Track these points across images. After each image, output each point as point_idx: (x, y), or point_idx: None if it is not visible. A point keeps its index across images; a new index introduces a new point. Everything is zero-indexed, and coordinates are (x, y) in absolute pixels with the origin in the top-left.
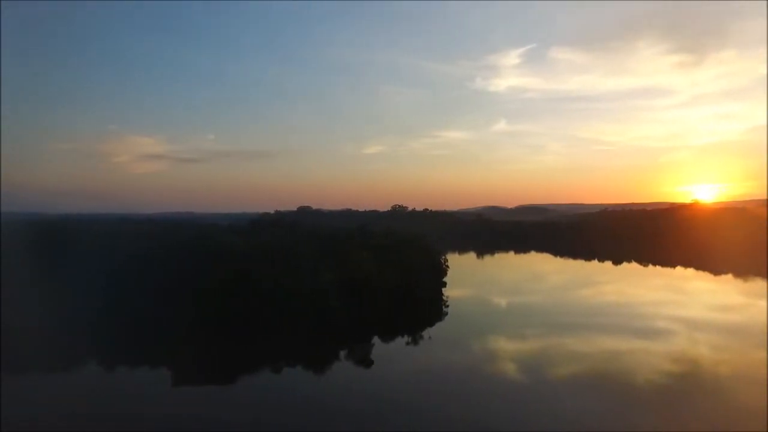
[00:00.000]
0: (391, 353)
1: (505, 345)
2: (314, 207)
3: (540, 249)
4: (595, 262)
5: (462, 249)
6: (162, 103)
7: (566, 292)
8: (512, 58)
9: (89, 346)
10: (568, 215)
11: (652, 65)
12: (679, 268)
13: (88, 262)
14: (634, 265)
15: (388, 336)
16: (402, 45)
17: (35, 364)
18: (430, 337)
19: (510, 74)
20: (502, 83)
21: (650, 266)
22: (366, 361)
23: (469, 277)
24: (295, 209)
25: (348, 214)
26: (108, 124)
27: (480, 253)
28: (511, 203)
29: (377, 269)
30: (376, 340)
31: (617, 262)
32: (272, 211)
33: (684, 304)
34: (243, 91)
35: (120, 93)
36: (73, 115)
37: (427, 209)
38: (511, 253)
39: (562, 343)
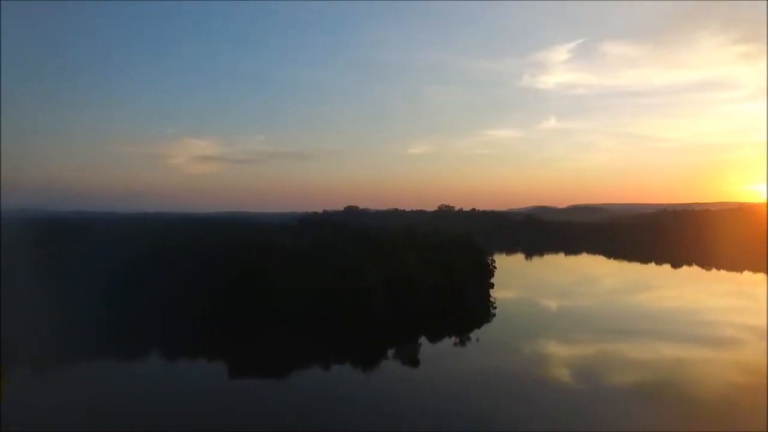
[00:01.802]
0: (438, 354)
1: (556, 350)
2: (361, 207)
3: (592, 251)
4: (652, 265)
5: (510, 250)
6: (216, 107)
7: (621, 297)
8: (561, 53)
9: (157, 335)
10: (623, 216)
11: (713, 57)
12: (747, 273)
13: (156, 258)
14: (696, 268)
15: (434, 336)
16: (446, 44)
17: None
18: (477, 339)
19: (559, 70)
20: (550, 80)
21: (714, 270)
22: (414, 361)
23: (518, 279)
24: (342, 209)
25: (395, 214)
26: (166, 128)
27: (529, 254)
28: (561, 203)
29: (423, 269)
30: (422, 340)
31: (677, 265)
32: (320, 211)
33: (754, 312)
34: (291, 94)
35: (177, 98)
36: (135, 119)
37: (474, 209)
38: (562, 255)
39: (617, 349)
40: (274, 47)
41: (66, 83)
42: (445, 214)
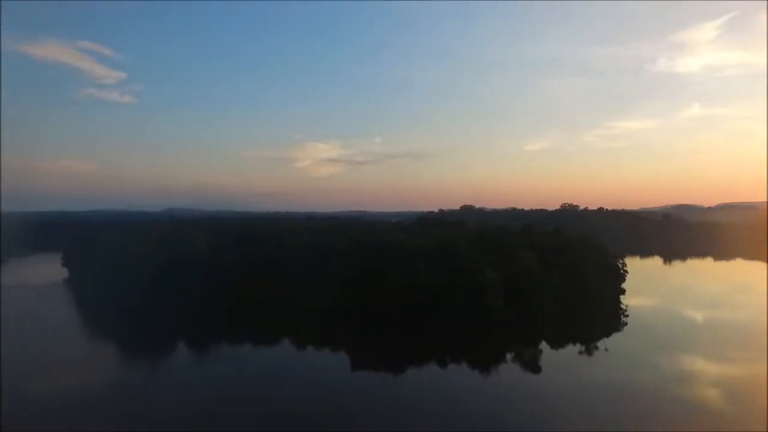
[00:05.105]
0: (561, 362)
1: (702, 368)
2: (477, 206)
3: (749, 256)
4: None
5: (645, 253)
6: (336, 112)
7: None
8: (707, 31)
9: (285, 325)
10: None
11: None
12: None
13: (282, 255)
14: None
15: (556, 342)
16: (561, 34)
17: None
18: (606, 349)
19: (704, 50)
20: (693, 62)
21: None
22: (534, 367)
23: (654, 285)
24: (458, 208)
25: (513, 213)
26: (293, 133)
27: (668, 258)
28: (708, 201)
29: (543, 270)
30: (543, 345)
31: None
32: (436, 210)
33: None
34: (405, 95)
35: (302, 104)
36: (267, 127)
37: (601, 208)
38: (709, 260)
39: None
40: (387, 51)
41: (205, 93)
42: (569, 213)
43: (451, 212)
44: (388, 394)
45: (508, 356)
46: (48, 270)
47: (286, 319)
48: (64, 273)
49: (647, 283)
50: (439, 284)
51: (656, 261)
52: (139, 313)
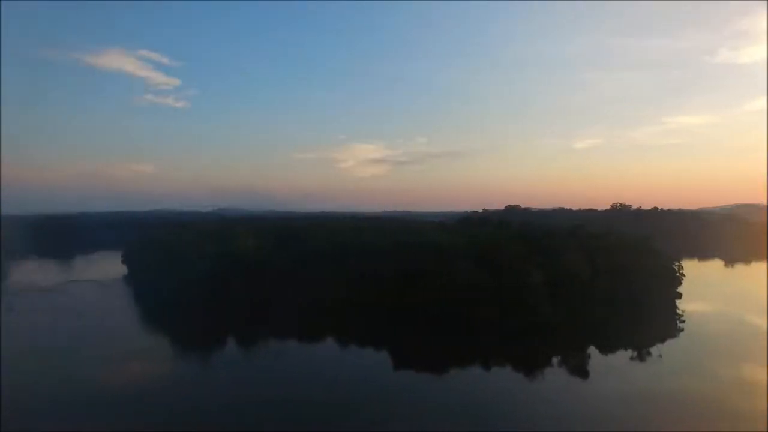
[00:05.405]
0: (611, 367)
1: (765, 377)
2: (522, 206)
3: None
4: None
5: (704, 255)
6: (381, 113)
7: None
8: None
9: (328, 322)
10: None
11: None
12: None
13: (323, 254)
14: None
15: (606, 347)
16: (607, 25)
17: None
18: (660, 356)
19: None
20: (757, 51)
21: None
22: (582, 372)
23: (714, 290)
24: (503, 208)
25: (560, 213)
26: (338, 134)
27: (730, 261)
28: None
29: (593, 273)
30: (592, 350)
31: None
32: (480, 210)
33: None
34: (449, 95)
35: (347, 106)
36: (313, 128)
37: (656, 208)
38: None
39: None
40: (432, 51)
41: (253, 97)
42: (620, 213)
43: (495, 212)
44: (429, 395)
45: (554, 360)
46: (110, 267)
47: (329, 317)
48: (124, 269)
49: (706, 288)
50: (481, 285)
51: (716, 264)
52: (192, 308)
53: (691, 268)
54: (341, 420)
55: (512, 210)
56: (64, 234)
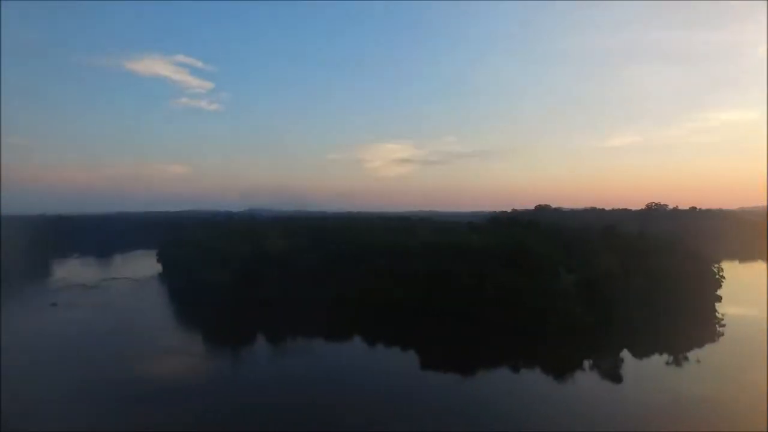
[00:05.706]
0: (645, 372)
1: None
2: (553, 206)
3: None
4: None
5: (746, 257)
6: (409, 112)
7: None
8: None
9: (356, 321)
10: None
11: None
12: None
13: (352, 253)
14: None
15: (640, 351)
16: (643, 18)
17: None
18: (698, 361)
19: None
20: None
21: None
22: (615, 377)
23: (756, 293)
24: (533, 208)
25: (592, 213)
26: (366, 134)
27: None
28: None
29: (626, 274)
30: (625, 353)
31: None
32: (509, 210)
33: None
34: (478, 92)
35: (374, 106)
36: (341, 129)
37: (693, 207)
38: None
39: None
40: (459, 48)
41: (284, 99)
42: (655, 213)
43: (526, 212)
44: (457, 396)
45: (586, 363)
46: (146, 265)
47: (359, 317)
48: (159, 267)
49: (748, 291)
50: (510, 286)
51: (759, 266)
52: (224, 306)
53: (731, 270)
54: (373, 419)
55: (543, 209)
56: (103, 233)
